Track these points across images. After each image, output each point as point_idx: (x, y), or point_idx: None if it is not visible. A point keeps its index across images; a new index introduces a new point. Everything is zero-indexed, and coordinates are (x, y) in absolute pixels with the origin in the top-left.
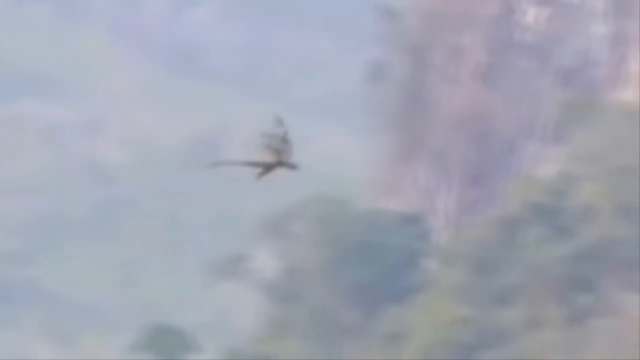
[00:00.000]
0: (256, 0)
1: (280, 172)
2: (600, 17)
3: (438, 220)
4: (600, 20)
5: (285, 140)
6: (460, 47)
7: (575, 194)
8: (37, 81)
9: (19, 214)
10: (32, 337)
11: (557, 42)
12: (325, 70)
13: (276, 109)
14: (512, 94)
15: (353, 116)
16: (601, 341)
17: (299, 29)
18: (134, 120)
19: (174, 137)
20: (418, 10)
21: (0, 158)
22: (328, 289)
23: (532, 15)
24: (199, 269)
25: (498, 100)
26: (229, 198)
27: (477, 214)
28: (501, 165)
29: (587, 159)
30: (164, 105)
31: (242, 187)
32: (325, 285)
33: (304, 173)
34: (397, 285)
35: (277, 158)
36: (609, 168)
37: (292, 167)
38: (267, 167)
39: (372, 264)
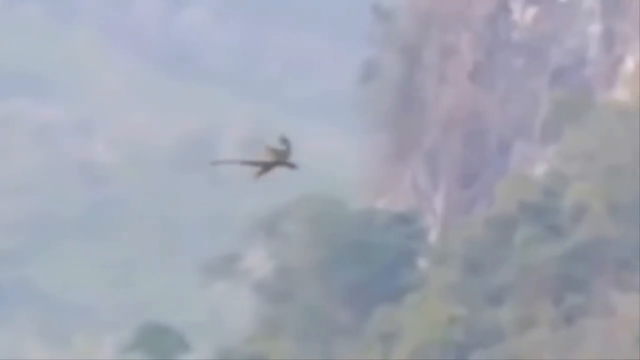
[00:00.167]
0: (249, 0)
1: (273, 172)
2: (594, 16)
3: (431, 220)
4: (594, 19)
5: (284, 141)
6: (453, 46)
7: (567, 194)
8: (29, 81)
9: (11, 213)
10: (25, 337)
11: (551, 42)
12: (319, 70)
13: (269, 109)
14: (506, 93)
15: (347, 116)
16: (593, 341)
17: (292, 29)
18: (127, 120)
19: (167, 137)
20: (411, 10)
21: None
22: (321, 289)
23: (525, 14)
24: (192, 269)
25: (491, 100)
26: (221, 198)
27: (470, 213)
28: (495, 164)
29: (580, 159)
30: (156, 105)
31: (235, 187)
32: (318, 285)
33: (297, 173)
34: (390, 285)
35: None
36: (601, 168)
37: (291, 166)
38: (266, 166)
39: (365, 264)
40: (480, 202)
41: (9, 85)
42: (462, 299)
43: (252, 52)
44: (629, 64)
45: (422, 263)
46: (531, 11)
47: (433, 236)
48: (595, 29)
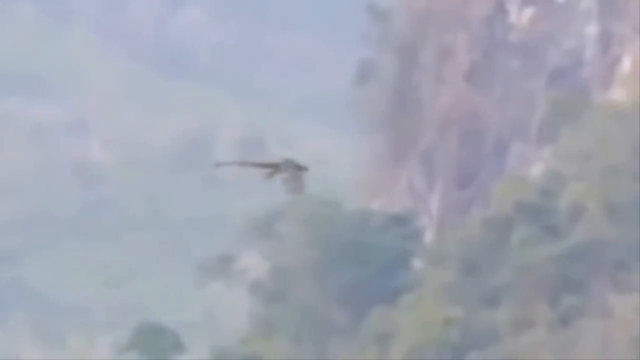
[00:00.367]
0: (244, 1)
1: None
2: (591, 17)
3: (427, 221)
4: (591, 20)
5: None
6: (450, 47)
7: (564, 194)
8: (25, 81)
9: (6, 213)
10: (19, 338)
11: (547, 42)
12: (315, 71)
13: (265, 109)
14: (502, 94)
15: (342, 116)
16: (590, 342)
17: (288, 30)
18: (122, 120)
19: (162, 138)
20: (407, 10)
21: None
22: (316, 290)
23: (522, 15)
24: (187, 269)
25: (488, 101)
26: (217, 198)
27: (466, 214)
28: (491, 165)
29: (577, 159)
30: (152, 106)
31: (231, 187)
32: (313, 285)
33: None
34: (386, 285)
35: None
36: (598, 168)
37: (302, 168)
38: (277, 168)
39: (361, 265)
40: (476, 202)
41: (4, 85)
42: (458, 299)
43: (247, 53)
44: (626, 65)
45: (418, 264)
46: (528, 12)
47: (429, 237)
48: (592, 29)
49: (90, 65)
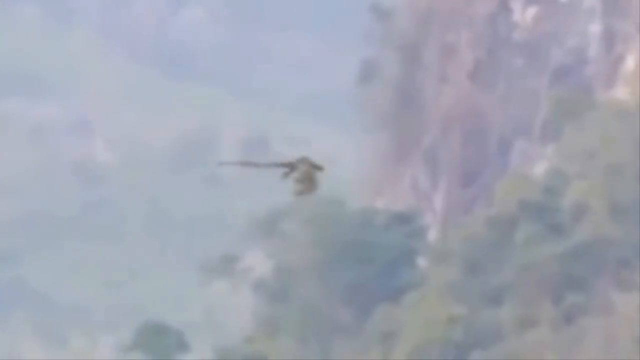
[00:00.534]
0: (246, 0)
1: (271, 172)
2: (594, 15)
3: (431, 219)
4: (594, 18)
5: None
6: (453, 45)
7: (567, 193)
8: (26, 81)
9: (7, 213)
10: (21, 338)
11: (551, 41)
12: (318, 70)
13: (267, 109)
14: (506, 92)
15: (346, 115)
16: (593, 340)
17: (290, 29)
18: (122, 120)
19: (164, 137)
20: (411, 9)
21: None
22: (320, 288)
23: (525, 13)
24: (190, 269)
25: (491, 99)
26: (219, 198)
27: (470, 212)
28: (495, 163)
29: (580, 158)
30: (152, 106)
31: (233, 187)
32: (317, 284)
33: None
34: (390, 284)
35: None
36: (601, 166)
37: (318, 167)
38: (292, 167)
39: (365, 263)
40: (480, 201)
41: (6, 85)
42: (462, 298)
43: (249, 53)
44: (629, 63)
45: (422, 262)
46: (532, 10)
47: (433, 235)
48: (595, 28)
49: (91, 65)
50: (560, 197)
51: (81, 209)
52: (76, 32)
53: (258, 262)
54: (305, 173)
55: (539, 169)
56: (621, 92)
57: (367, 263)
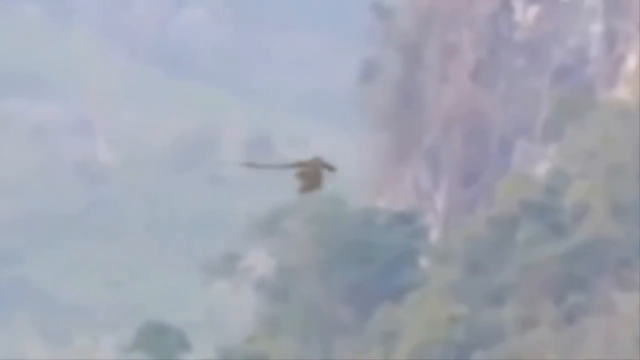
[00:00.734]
0: (247, 0)
1: (273, 172)
2: (596, 15)
3: (432, 219)
4: (596, 18)
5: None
6: (455, 45)
7: (569, 193)
8: (27, 81)
9: (9, 213)
10: (23, 338)
11: (552, 40)
12: (319, 69)
13: (268, 108)
14: (507, 92)
15: (347, 115)
16: (595, 340)
17: (291, 28)
18: (123, 120)
19: (165, 137)
20: (412, 8)
21: None
22: (322, 288)
23: (527, 13)
24: (191, 268)
25: (493, 99)
26: (221, 197)
27: (471, 212)
28: (496, 163)
29: (581, 157)
30: (154, 105)
31: (235, 186)
32: (318, 284)
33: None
34: (391, 284)
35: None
36: (603, 166)
37: (330, 168)
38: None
39: (366, 263)
40: (481, 201)
41: (7, 85)
42: (463, 298)
43: (250, 52)
44: (631, 63)
45: (423, 262)
46: (533, 10)
47: (434, 235)
48: (596, 28)
49: (92, 65)
50: (561, 197)
51: (83, 209)
52: (77, 32)
53: (259, 261)
54: (312, 171)
55: (540, 169)
56: (622, 92)
57: (369, 263)
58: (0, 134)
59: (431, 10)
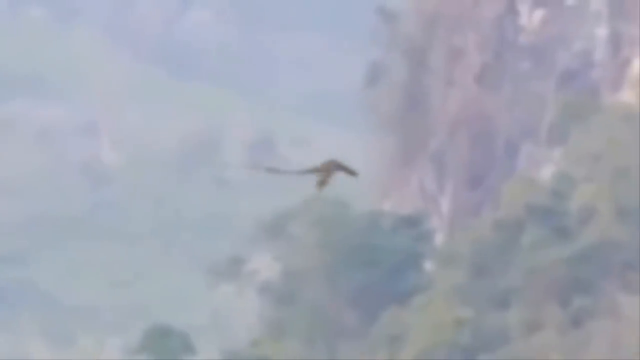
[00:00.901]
0: (253, 1)
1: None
2: (601, 19)
3: (438, 222)
4: (601, 22)
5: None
6: (460, 48)
7: (574, 196)
8: (32, 83)
9: (14, 215)
10: (28, 339)
11: (558, 44)
12: (323, 71)
13: (273, 110)
14: (513, 95)
15: (353, 118)
16: (600, 343)
17: (296, 30)
18: (128, 121)
19: (170, 139)
20: (417, 12)
21: None
22: (327, 291)
23: (532, 17)
24: (196, 271)
25: (498, 102)
26: (226, 199)
27: (477, 215)
28: (501, 167)
29: (587, 161)
30: (159, 107)
31: (240, 188)
32: (324, 287)
33: (303, 175)
34: (396, 287)
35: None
36: (608, 170)
37: (351, 172)
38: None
39: (371, 266)
40: (486, 204)
41: (12, 87)
42: (469, 301)
43: (256, 54)
44: (636, 67)
45: (429, 265)
46: (538, 14)
47: (439, 238)
48: (602, 31)
49: (97, 66)
50: (567, 200)
51: (88, 210)
52: (82, 34)
53: (264, 264)
54: (327, 174)
55: (546, 172)
56: (627, 96)
57: (374, 266)
58: (6, 135)
59: (436, 13)
